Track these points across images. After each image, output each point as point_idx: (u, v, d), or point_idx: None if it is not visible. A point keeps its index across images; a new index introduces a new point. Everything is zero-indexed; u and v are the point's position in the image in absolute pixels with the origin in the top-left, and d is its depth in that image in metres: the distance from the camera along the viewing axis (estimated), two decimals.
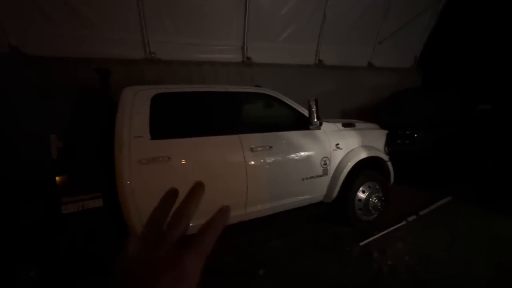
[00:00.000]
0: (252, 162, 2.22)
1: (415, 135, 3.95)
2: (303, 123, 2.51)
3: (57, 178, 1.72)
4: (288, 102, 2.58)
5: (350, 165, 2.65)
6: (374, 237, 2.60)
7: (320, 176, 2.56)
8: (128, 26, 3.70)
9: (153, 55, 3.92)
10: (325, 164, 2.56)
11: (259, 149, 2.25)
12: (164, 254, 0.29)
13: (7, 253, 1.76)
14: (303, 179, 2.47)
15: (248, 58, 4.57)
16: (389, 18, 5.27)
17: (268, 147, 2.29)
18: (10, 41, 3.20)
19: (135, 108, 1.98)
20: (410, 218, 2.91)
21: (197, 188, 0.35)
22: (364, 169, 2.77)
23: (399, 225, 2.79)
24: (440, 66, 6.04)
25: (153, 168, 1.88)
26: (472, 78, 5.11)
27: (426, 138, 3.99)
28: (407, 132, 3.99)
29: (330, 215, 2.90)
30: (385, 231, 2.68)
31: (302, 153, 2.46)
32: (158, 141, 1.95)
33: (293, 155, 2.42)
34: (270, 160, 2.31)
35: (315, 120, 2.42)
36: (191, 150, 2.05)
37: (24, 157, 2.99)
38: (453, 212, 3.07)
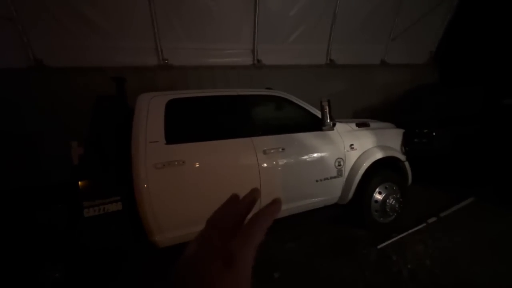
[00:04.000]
0: (265, 165, 2.22)
1: (433, 133, 3.80)
2: (315, 124, 2.49)
3: (79, 183, 1.80)
4: (300, 104, 2.57)
5: (365, 165, 2.59)
6: (392, 239, 2.52)
7: (335, 177, 2.52)
8: (141, 35, 3.83)
9: (166, 61, 4.02)
10: (339, 165, 2.52)
11: (271, 151, 2.25)
12: (217, 244, 0.30)
13: (33, 255, 1.86)
14: (317, 181, 2.44)
15: (259, 61, 4.59)
16: (402, 13, 5.13)
17: (280, 149, 2.29)
18: (35, 54, 3.39)
19: (150, 114, 2.04)
20: (430, 220, 2.80)
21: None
22: (380, 170, 2.70)
23: (418, 227, 2.70)
24: (458, 60, 5.79)
25: (168, 172, 1.93)
26: (493, 71, 4.86)
27: (445, 136, 3.83)
28: (425, 130, 3.85)
29: (346, 217, 2.84)
30: (404, 234, 2.59)
31: (316, 155, 2.44)
32: (172, 146, 1.99)
33: (306, 157, 2.41)
34: (283, 162, 2.30)
35: (328, 120, 2.40)
36: (205, 153, 2.08)
37: (47, 164, 3.15)
38: (477, 214, 2.92)
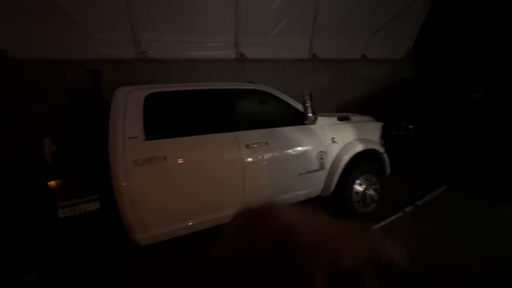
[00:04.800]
0: (249, 159, 2.22)
1: (410, 126, 3.98)
2: (298, 118, 2.51)
3: (52, 182, 1.71)
4: (283, 98, 2.58)
5: (346, 158, 2.66)
6: (372, 228, 2.62)
7: (317, 170, 2.57)
8: (118, 26, 3.63)
9: (144, 54, 3.86)
10: (321, 158, 2.57)
11: (255, 145, 2.25)
12: None
13: (6, 259, 1.75)
14: (300, 174, 2.48)
15: (242, 54, 4.53)
16: (381, 9, 5.25)
17: (264, 144, 2.29)
18: None
19: (128, 108, 1.96)
20: (407, 209, 2.95)
21: None
22: (361, 162, 2.78)
23: (396, 216, 2.83)
24: (434, 55, 6.06)
25: (149, 168, 1.87)
26: (465, 66, 5.15)
27: (421, 129, 4.03)
28: (402, 123, 4.03)
29: (328, 209, 2.91)
30: (383, 223, 2.71)
31: (299, 148, 2.47)
32: (153, 142, 1.94)
33: (289, 151, 2.43)
34: (266, 156, 2.31)
35: (310, 114, 2.43)
36: (187, 149, 2.04)
37: (18, 163, 2.95)
38: (449, 201, 3.11)
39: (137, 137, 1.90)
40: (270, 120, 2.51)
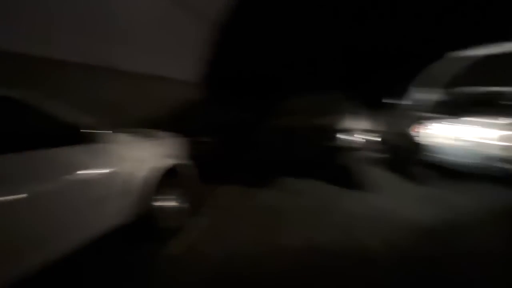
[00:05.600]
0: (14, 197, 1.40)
1: (211, 140, 4.75)
2: (86, 136, 1.96)
3: None
4: (51, 109, 1.90)
5: (150, 176, 2.47)
6: (183, 240, 2.67)
7: (119, 195, 2.17)
8: None
9: None
10: (120, 181, 2.19)
11: (10, 178, 1.47)
12: None
13: None
14: (92, 205, 1.96)
15: None
16: (174, 33, 5.74)
17: (25, 174, 1.56)
18: None
19: None
20: (210, 211, 3.36)
21: None
22: (168, 177, 2.73)
23: (201, 220, 3.10)
24: (221, 80, 7.69)
25: None
26: (239, 90, 7.04)
27: (217, 142, 4.90)
28: (202, 137, 4.67)
29: (138, 233, 2.56)
30: (190, 230, 2.85)
31: (87, 173, 1.93)
32: None
33: (69, 178, 1.81)
34: (37, 191, 1.56)
35: (104, 131, 2.04)
36: None
37: None
38: (239, 196, 3.97)
39: None
40: (36, 140, 1.74)
